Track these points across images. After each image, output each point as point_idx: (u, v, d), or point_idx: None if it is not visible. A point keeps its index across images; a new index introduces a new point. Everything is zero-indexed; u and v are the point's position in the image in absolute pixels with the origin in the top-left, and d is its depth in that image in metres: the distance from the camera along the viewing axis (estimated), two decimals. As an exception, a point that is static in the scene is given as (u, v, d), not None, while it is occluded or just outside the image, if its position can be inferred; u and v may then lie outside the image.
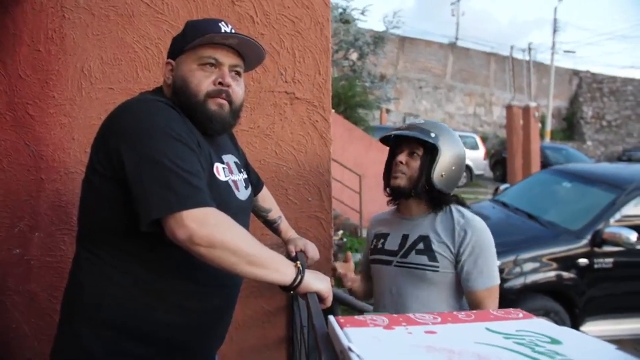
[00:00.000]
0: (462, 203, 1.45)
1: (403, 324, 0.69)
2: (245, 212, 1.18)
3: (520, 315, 0.76)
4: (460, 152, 1.41)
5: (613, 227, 3.43)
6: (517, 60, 21.18)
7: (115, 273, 1.01)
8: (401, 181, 1.40)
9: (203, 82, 1.08)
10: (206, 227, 0.89)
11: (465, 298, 1.39)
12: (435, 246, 1.36)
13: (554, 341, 0.63)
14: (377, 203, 9.00)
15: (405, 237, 1.44)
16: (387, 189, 1.47)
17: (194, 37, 1.07)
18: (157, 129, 0.95)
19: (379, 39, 12.13)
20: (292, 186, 1.82)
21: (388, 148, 1.51)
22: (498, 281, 1.34)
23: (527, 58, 21.13)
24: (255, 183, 1.43)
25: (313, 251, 1.45)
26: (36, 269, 1.67)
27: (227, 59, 1.11)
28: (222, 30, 1.09)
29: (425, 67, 19.74)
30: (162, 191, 0.90)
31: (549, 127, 19.49)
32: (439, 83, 19.93)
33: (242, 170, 1.24)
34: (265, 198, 1.49)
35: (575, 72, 22.23)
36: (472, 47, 21.63)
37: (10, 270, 1.66)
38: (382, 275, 1.47)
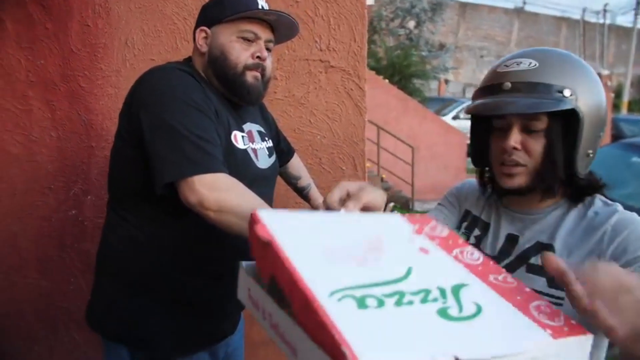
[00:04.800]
0: (600, 187, 0.90)
1: None
2: (266, 180, 1.21)
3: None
4: (602, 101, 0.86)
5: None
6: (591, 25, 19.56)
7: (138, 235, 1.09)
8: (521, 180, 0.86)
9: (242, 54, 1.12)
10: (216, 191, 0.93)
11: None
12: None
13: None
14: (430, 176, 8.83)
15: (512, 240, 0.91)
16: (487, 186, 0.97)
17: (234, 10, 1.10)
18: (173, 96, 1.00)
19: (437, 5, 11.65)
20: (326, 155, 1.84)
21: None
22: None
23: (602, 21, 19.45)
24: (285, 151, 1.46)
25: None
26: (90, 229, 1.81)
27: (264, 34, 1.15)
28: (260, 5, 1.12)
29: (488, 34, 18.74)
30: (175, 156, 0.95)
31: (626, 98, 18.00)
32: (503, 51, 18.88)
33: (267, 139, 1.27)
34: (295, 166, 1.52)
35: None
36: (541, 12, 20.20)
37: (68, 230, 1.82)
38: None
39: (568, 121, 0.83)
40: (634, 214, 0.84)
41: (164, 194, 0.97)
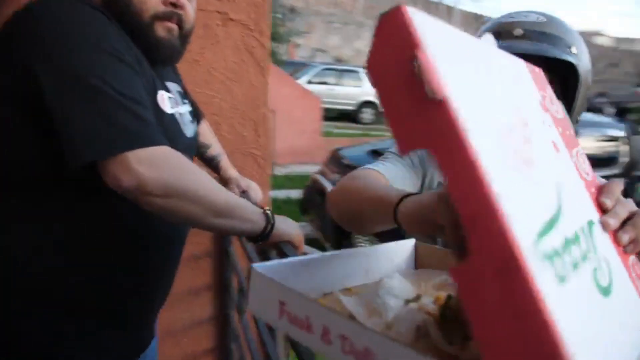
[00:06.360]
0: None
1: None
2: (191, 151, 1.01)
3: None
4: (590, 70, 0.85)
5: None
6: (434, 4, 21.59)
7: (27, 228, 0.81)
8: None
9: None
10: (160, 171, 0.72)
11: None
12: None
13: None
14: (288, 140, 8.92)
15: None
16: None
17: None
18: (87, 41, 0.74)
19: (290, -34, 11.51)
20: (225, 120, 1.65)
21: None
22: None
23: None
24: (197, 115, 1.26)
25: (256, 191, 1.33)
26: None
27: None
28: None
29: (336, 1, 19.36)
30: (99, 124, 0.71)
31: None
32: (348, 18, 19.73)
33: (187, 101, 1.05)
34: (205, 132, 1.33)
35: (478, 17, 23.28)
36: (382, -16, 21.53)
37: None
38: None
39: (565, 84, 0.80)
40: None
41: (75, 176, 0.72)
